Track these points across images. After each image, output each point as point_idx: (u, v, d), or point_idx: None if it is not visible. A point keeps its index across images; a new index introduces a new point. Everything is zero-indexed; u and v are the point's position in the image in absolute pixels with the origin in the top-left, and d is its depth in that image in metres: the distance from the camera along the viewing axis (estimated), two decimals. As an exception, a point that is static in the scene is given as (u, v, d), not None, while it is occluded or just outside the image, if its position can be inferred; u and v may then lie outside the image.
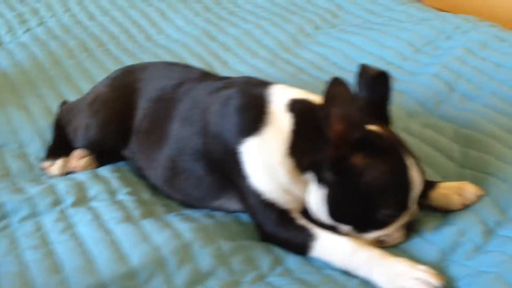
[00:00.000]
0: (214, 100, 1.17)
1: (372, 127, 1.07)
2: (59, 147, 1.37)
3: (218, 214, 1.18)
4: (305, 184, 1.09)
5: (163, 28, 2.08)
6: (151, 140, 1.25)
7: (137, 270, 0.97)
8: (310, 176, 1.07)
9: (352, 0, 2.17)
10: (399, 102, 1.48)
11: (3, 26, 2.05)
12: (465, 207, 1.13)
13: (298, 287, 0.97)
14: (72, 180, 1.24)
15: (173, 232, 1.06)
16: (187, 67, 1.40)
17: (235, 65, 1.78)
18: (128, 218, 1.09)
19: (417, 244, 1.08)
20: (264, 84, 1.18)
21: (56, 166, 1.32)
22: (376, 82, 1.12)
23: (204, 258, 1.01)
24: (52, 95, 1.62)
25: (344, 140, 1.00)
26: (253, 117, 1.10)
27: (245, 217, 1.17)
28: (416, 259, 1.03)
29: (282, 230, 1.08)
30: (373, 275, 1.00)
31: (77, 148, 1.34)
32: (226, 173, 1.14)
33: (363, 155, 1.02)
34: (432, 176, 1.21)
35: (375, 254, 1.01)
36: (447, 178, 1.21)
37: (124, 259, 0.99)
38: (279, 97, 1.13)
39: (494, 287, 0.91)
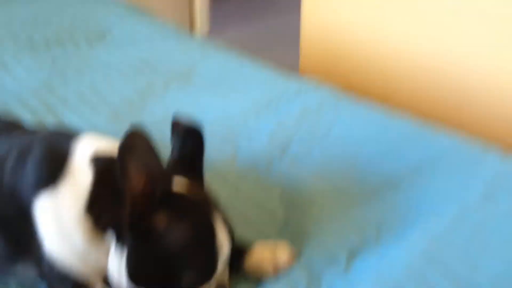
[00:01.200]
0: (12, 154, 1.07)
1: (179, 183, 1.01)
2: None
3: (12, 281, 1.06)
4: (106, 247, 1.00)
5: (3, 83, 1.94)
6: None
7: None
8: (111, 236, 0.99)
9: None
10: (231, 163, 1.47)
11: None
12: (278, 272, 1.10)
13: None
14: None
15: None
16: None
17: (72, 121, 1.69)
18: None
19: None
20: (71, 135, 1.10)
21: None
22: (187, 138, 1.08)
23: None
24: None
25: (143, 196, 0.94)
26: (50, 171, 1.02)
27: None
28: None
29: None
30: None
31: None
32: (20, 237, 1.03)
33: (165, 214, 0.96)
34: (255, 236, 1.18)
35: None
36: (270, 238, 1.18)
37: None
38: (84, 150, 1.05)
39: None
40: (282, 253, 1.12)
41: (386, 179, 1.39)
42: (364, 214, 1.26)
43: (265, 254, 1.12)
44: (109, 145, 1.08)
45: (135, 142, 0.91)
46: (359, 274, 1.05)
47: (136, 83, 1.95)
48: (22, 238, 1.02)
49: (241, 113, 1.75)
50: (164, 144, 1.10)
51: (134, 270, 0.97)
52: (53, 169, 1.02)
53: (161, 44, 2.29)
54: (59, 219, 0.99)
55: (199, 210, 1.00)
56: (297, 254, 1.13)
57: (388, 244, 1.15)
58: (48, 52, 2.15)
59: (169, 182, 0.97)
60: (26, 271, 1.06)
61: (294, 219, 1.24)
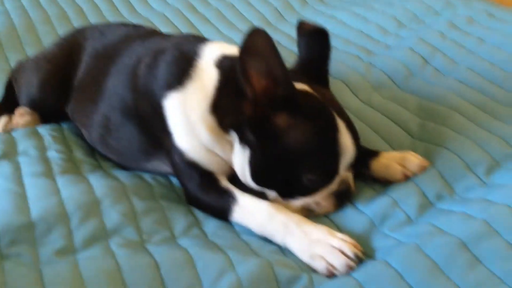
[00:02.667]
0: (147, 54, 1.11)
1: (302, 86, 0.98)
2: (6, 105, 1.34)
3: (148, 176, 1.12)
4: (230, 145, 1.02)
5: (148, 1, 2.04)
6: (88, 96, 1.20)
7: (35, 222, 0.93)
8: (234, 136, 1.00)
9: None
10: (366, 75, 1.40)
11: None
12: (407, 178, 1.04)
13: (204, 249, 0.90)
14: (5, 135, 1.21)
15: (85, 188, 1.01)
16: (136, 26, 1.35)
17: (212, 37, 1.72)
18: (45, 173, 1.05)
19: (347, 214, 0.99)
20: (201, 40, 1.12)
21: (-1, 123, 1.30)
22: (313, 40, 1.04)
23: (112, 215, 0.96)
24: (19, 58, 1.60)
25: (265, 97, 0.93)
26: (179, 71, 1.04)
27: (177, 181, 1.11)
28: (345, 230, 0.95)
29: (204, 193, 1.02)
30: (288, 242, 0.92)
31: (21, 105, 1.31)
32: (155, 132, 1.08)
33: (287, 115, 0.94)
34: (383, 148, 1.13)
35: (293, 220, 0.93)
36: (400, 150, 1.11)
37: (25, 211, 0.95)
38: (211, 53, 1.06)
39: (409, 258, 0.82)
40: (411, 159, 1.05)
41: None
42: (510, 128, 1.12)
43: (394, 159, 1.05)
44: (237, 50, 1.08)
45: (256, 42, 0.88)
46: (497, 188, 0.95)
47: (273, 2, 1.93)
48: (156, 132, 1.07)
49: (379, 29, 1.66)
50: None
51: (257, 171, 0.97)
52: (182, 70, 1.04)
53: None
54: (186, 117, 1.02)
55: (322, 111, 0.96)
56: (428, 164, 1.05)
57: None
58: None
59: (291, 83, 0.94)
60: (160, 167, 1.12)
61: (430, 131, 1.15)
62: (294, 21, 1.78)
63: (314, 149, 0.94)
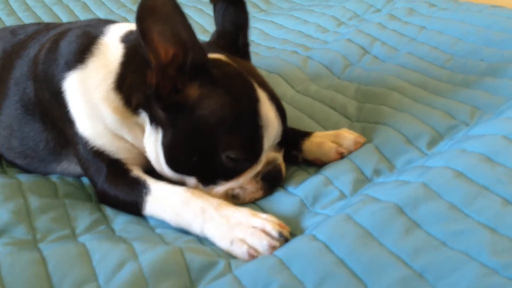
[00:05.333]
0: (49, 39, 1.00)
1: (217, 56, 0.88)
2: None
3: (55, 176, 0.99)
4: (141, 129, 0.90)
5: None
6: (-7, 99, 1.08)
7: None
8: (144, 117, 0.89)
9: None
10: (302, 67, 1.31)
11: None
12: (342, 156, 0.93)
13: (104, 242, 0.76)
14: None
15: (-30, 185, 0.87)
16: (49, 23, 1.24)
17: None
18: None
19: (276, 197, 0.88)
20: (111, 22, 1.02)
21: None
22: (228, 9, 0.94)
23: (0, 214, 0.82)
24: None
25: (172, 65, 0.82)
26: (79, 49, 0.93)
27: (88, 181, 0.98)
28: (272, 213, 0.83)
29: (112, 185, 0.89)
30: (206, 229, 0.80)
31: None
32: (58, 123, 0.96)
33: (199, 84, 0.83)
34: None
35: (211, 204, 0.81)
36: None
37: None
38: (118, 30, 0.95)
39: (337, 228, 0.70)
40: (346, 136, 0.95)
41: (484, 69, 1.15)
42: (453, 103, 1.03)
43: (327, 137, 0.95)
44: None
45: (157, 1, 0.76)
46: (437, 155, 0.85)
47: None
48: (59, 123, 0.95)
49: (318, 28, 1.59)
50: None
51: (170, 153, 0.85)
52: (82, 48, 0.93)
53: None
54: (88, 97, 0.90)
55: (238, 79, 0.86)
56: (365, 140, 0.95)
57: (478, 127, 0.92)
58: None
59: (202, 48, 0.83)
60: (71, 168, 0.99)
61: (368, 112, 1.06)
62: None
63: (232, 121, 0.82)
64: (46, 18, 1.94)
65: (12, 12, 2.04)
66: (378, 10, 1.63)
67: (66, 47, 0.94)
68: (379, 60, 1.30)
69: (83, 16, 1.94)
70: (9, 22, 1.92)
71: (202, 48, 0.83)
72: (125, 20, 1.86)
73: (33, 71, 0.99)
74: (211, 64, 0.84)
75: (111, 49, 0.92)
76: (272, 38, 1.58)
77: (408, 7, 1.54)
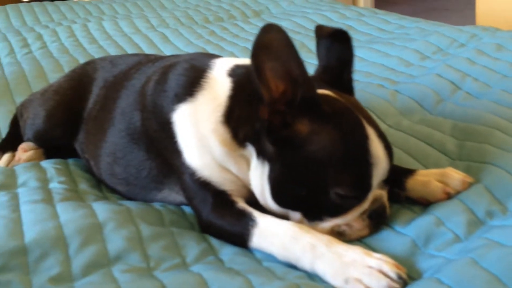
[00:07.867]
0: (156, 72, 1.04)
1: (325, 91, 0.89)
2: (10, 141, 1.27)
3: (157, 204, 1.01)
4: (246, 162, 0.91)
5: (164, 52, 2.00)
6: (98, 125, 1.12)
7: (28, 247, 0.82)
8: (250, 150, 0.90)
9: (363, 21, 2.04)
10: (391, 101, 1.31)
11: (4, 50, 2.03)
12: (449, 196, 0.91)
13: (220, 273, 0.77)
14: (6, 168, 1.12)
15: (86, 212, 0.90)
16: (148, 54, 1.28)
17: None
18: (44, 200, 0.95)
19: (384, 236, 0.86)
20: (214, 56, 1.04)
21: (1, 161, 1.21)
22: (333, 44, 0.95)
23: (115, 240, 0.84)
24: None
25: (283, 100, 0.83)
26: (189, 82, 0.95)
27: (189, 210, 0.99)
28: (383, 253, 0.81)
29: (218, 216, 0.90)
30: (317, 266, 0.79)
31: (26, 140, 1.23)
32: (164, 153, 0.98)
33: (309, 120, 0.84)
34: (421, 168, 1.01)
35: (321, 241, 0.81)
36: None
37: (18, 235, 0.84)
38: (223, 64, 0.98)
39: (464, 272, 0.69)
40: (453, 175, 0.93)
41: None
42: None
43: (432, 176, 0.93)
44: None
45: (271, 38, 0.78)
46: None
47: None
48: (165, 153, 0.97)
49: (401, 61, 1.58)
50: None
51: (278, 187, 0.86)
52: (192, 81, 0.95)
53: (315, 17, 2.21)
54: (197, 129, 0.92)
55: (348, 115, 0.86)
56: (473, 180, 0.93)
57: None
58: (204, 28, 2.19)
59: (312, 84, 0.84)
60: (171, 197, 1.01)
61: (470, 150, 1.04)
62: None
63: (342, 157, 0.82)
64: (128, 47, 2.00)
65: (93, 41, 2.13)
66: (463, 45, 1.61)
67: (175, 80, 0.97)
68: (472, 97, 1.28)
69: (163, 46, 2.00)
70: (91, 50, 2.01)
71: (312, 84, 0.84)
72: (204, 50, 1.91)
73: (140, 102, 1.02)
74: (321, 100, 0.85)
75: (219, 82, 0.94)
76: (355, 70, 1.58)
77: (496, 43, 1.52)
